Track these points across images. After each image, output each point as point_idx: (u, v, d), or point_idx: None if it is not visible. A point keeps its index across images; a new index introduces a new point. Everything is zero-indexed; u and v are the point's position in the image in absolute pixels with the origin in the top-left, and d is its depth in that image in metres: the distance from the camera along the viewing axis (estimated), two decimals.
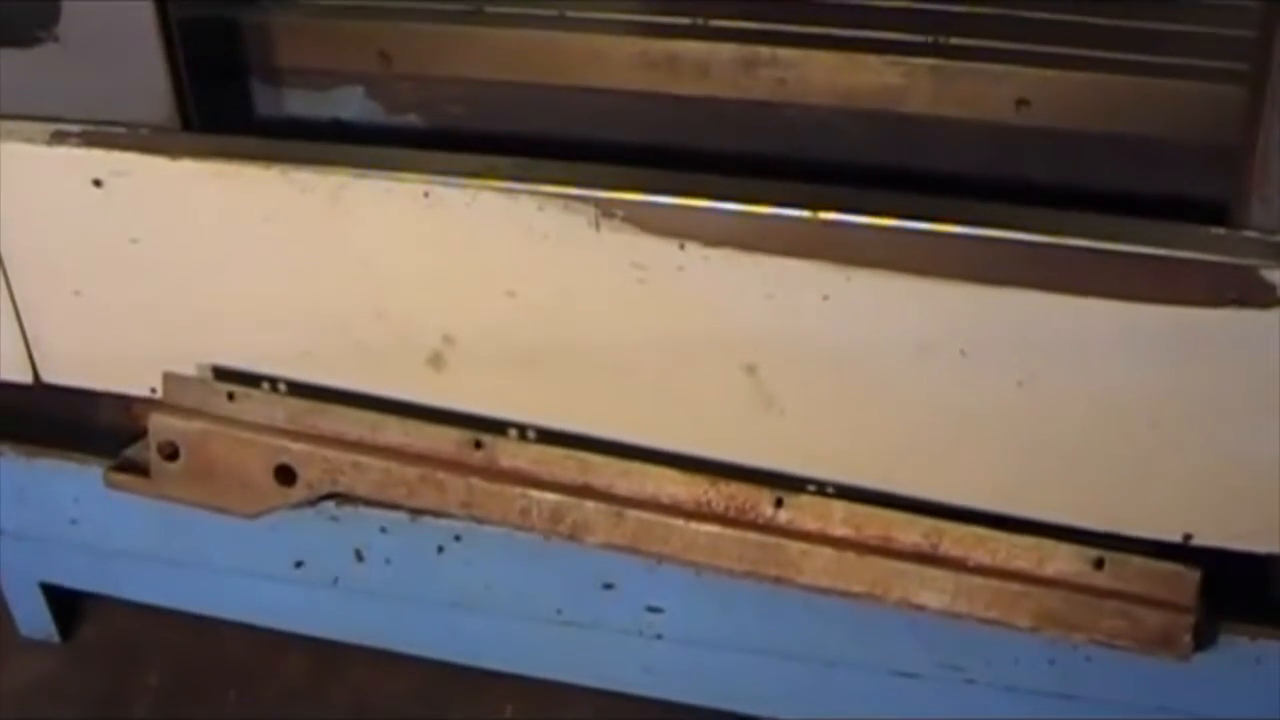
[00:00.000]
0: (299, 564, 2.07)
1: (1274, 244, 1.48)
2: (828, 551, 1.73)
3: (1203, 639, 1.68)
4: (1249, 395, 1.53)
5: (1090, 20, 1.84)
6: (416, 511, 1.92)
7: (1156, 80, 1.71)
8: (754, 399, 1.68)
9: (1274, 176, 1.47)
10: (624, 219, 1.62)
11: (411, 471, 1.84)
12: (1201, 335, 1.50)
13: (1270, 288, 1.46)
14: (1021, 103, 1.72)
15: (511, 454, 1.82)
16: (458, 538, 1.96)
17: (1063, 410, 1.60)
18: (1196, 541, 1.63)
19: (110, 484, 2.01)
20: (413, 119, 1.95)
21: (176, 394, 1.92)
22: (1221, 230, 1.51)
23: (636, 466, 1.78)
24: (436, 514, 1.90)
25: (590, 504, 1.79)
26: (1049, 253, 1.51)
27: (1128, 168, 1.70)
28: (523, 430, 1.81)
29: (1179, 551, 1.64)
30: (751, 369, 1.67)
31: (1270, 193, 1.48)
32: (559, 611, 2.00)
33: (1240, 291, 1.47)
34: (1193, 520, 1.62)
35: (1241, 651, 1.73)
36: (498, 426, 1.81)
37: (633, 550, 1.80)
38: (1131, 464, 1.61)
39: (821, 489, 1.73)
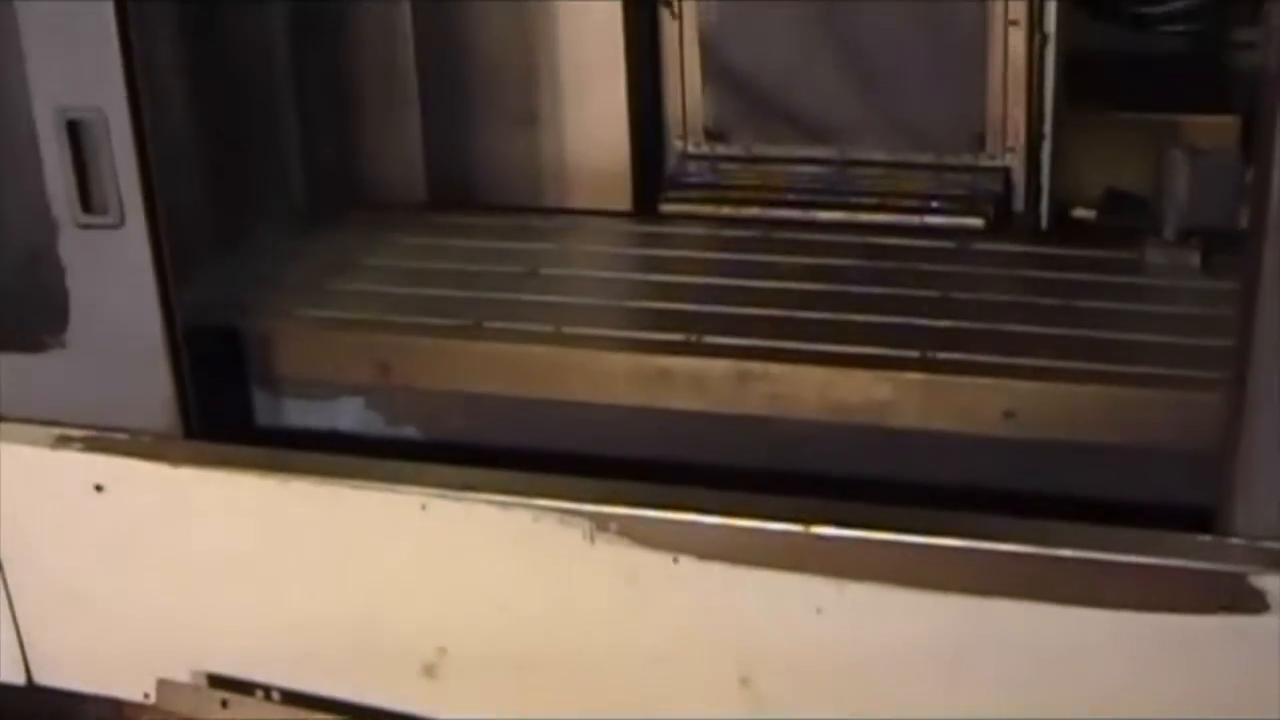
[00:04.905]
0: None
1: (1261, 549, 1.49)
2: None
3: None
4: (1247, 702, 1.51)
5: (1073, 333, 1.87)
6: None
7: (1138, 390, 1.73)
8: (748, 711, 1.67)
9: (1257, 481, 1.49)
10: (618, 532, 1.64)
11: None
12: (1194, 643, 1.51)
13: (1260, 594, 1.47)
14: (1008, 415, 1.74)
15: None
16: None
17: (1059, 717, 1.58)
18: None
19: None
20: (411, 430, 1.97)
21: (170, 700, 1.90)
22: (1207, 537, 1.52)
23: None
24: None
25: None
26: (1038, 563, 1.53)
27: (1113, 476, 1.72)
28: None
29: None
30: (746, 681, 1.66)
31: (1254, 498, 1.50)
32: None
33: (1230, 598, 1.48)
34: None
35: None
36: None
37: None
38: None
39: None
